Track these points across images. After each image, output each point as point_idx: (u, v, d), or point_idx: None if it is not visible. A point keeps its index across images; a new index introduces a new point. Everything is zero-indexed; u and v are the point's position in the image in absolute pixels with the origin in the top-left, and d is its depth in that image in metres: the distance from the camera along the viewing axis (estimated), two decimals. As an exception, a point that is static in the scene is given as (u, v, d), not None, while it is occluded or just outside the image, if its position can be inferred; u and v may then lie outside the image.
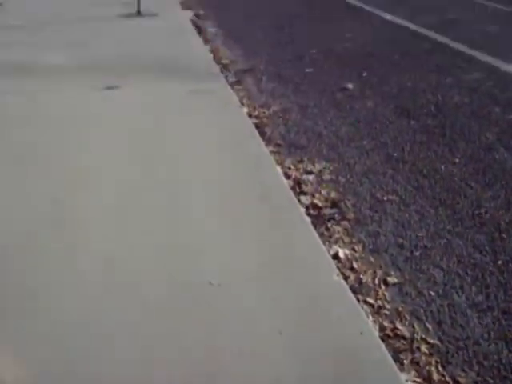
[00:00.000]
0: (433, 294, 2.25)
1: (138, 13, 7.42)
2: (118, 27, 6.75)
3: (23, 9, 7.86)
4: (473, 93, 4.78)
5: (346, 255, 2.48)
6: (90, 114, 3.90)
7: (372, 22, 7.75)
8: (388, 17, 7.97)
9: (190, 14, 8.07)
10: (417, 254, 2.53)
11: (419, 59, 5.85)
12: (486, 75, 5.19)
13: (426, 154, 3.60)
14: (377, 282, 2.31)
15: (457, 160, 3.51)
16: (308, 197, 3.03)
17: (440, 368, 1.89)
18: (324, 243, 2.48)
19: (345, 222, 2.79)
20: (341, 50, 6.20)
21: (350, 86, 4.89)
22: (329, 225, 2.75)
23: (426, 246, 2.59)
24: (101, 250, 2.31)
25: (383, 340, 1.94)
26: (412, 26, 7.36)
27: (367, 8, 8.67)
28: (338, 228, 2.73)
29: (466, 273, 2.39)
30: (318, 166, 3.42)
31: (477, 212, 2.89)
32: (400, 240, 2.64)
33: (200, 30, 6.92)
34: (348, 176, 3.31)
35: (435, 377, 1.85)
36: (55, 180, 2.92)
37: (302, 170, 3.37)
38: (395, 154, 3.60)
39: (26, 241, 2.36)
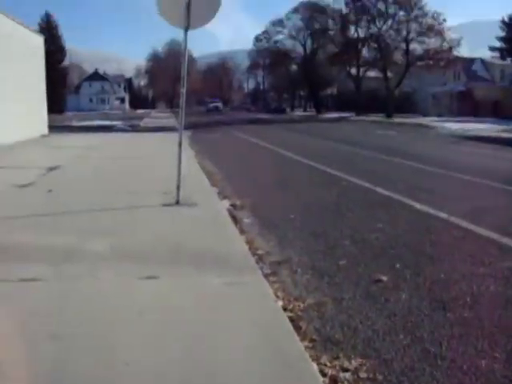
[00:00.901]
0: None
1: (177, 202, 7.78)
2: (156, 217, 7.09)
3: (70, 196, 8.37)
4: (508, 282, 4.79)
5: None
6: (128, 306, 3.99)
7: (401, 211, 8.02)
8: (417, 206, 8.27)
9: (226, 203, 8.50)
10: None
11: (450, 248, 5.95)
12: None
13: (465, 349, 3.54)
14: None
15: (497, 355, 3.44)
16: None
17: None
18: None
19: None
20: (373, 240, 6.37)
21: (384, 277, 4.96)
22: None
23: None
24: None
25: None
26: (442, 215, 7.59)
27: (396, 197, 9.03)
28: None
29: None
30: (354, 363, 3.38)
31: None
32: None
33: (236, 221, 7.22)
34: (386, 373, 3.25)
35: None
36: None
37: (338, 367, 3.32)
38: (433, 350, 3.54)
39: None
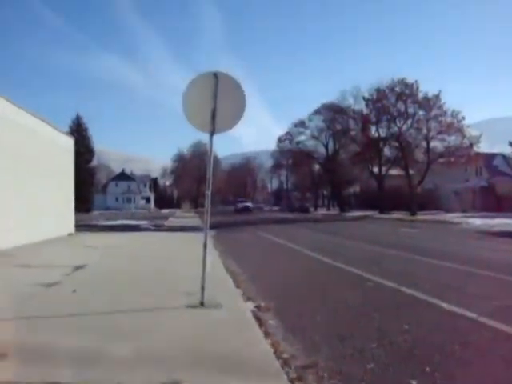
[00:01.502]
0: None
1: (202, 304, 7.74)
2: (180, 319, 7.04)
3: (94, 296, 8.37)
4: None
5: None
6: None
7: (427, 311, 7.86)
8: (444, 305, 8.11)
9: (251, 305, 8.42)
10: None
11: (481, 350, 5.78)
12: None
13: None
14: None
15: None
16: None
17: None
18: None
19: None
20: (400, 342, 6.22)
21: (414, 382, 4.82)
22: None
23: None
24: None
25: None
26: (470, 314, 7.42)
27: (422, 296, 8.89)
28: None
29: None
30: None
31: None
32: None
33: (261, 323, 7.13)
34: None
35: None
36: None
37: None
38: None
39: None
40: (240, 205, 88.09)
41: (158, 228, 33.30)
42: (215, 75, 7.82)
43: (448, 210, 59.60)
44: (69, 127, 77.30)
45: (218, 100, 7.70)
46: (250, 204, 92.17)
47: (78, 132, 76.87)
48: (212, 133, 7.79)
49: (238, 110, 7.97)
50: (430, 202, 64.91)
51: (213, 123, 7.69)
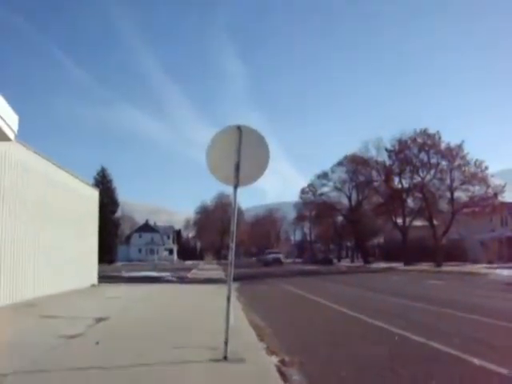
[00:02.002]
0: None
1: (225, 358, 7.64)
2: (203, 373, 6.94)
3: (116, 349, 8.30)
4: None
5: None
6: None
7: (458, 367, 7.65)
8: (475, 361, 7.89)
9: (275, 359, 8.27)
10: None
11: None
12: None
13: None
14: None
15: None
16: None
17: None
18: None
19: None
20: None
21: None
22: None
23: None
24: None
25: None
26: (503, 371, 7.20)
27: (452, 351, 8.66)
28: None
29: None
30: None
31: None
32: None
33: (285, 378, 7.00)
34: None
35: None
36: None
37: None
38: None
39: None
40: (270, 256, 79.80)
41: (182, 280, 33.21)
42: (239, 128, 7.94)
43: (474, 261, 58.62)
44: (94, 179, 78.60)
45: (242, 153, 7.80)
46: (281, 255, 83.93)
47: (103, 184, 78.08)
48: (236, 186, 7.86)
49: (261, 164, 8.05)
50: (455, 252, 63.97)
51: (237, 176, 7.76)
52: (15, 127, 6.07)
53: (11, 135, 6.07)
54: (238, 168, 7.76)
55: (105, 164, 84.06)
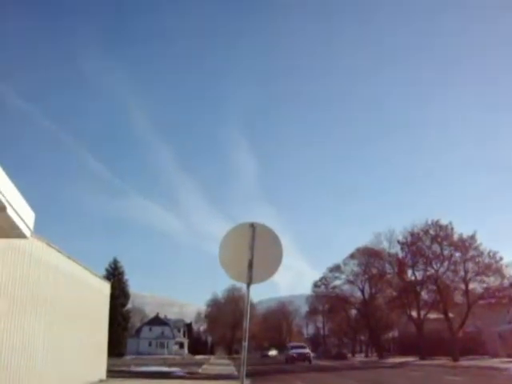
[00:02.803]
0: None
1: None
2: None
3: None
4: None
5: None
6: None
7: None
8: None
9: None
10: None
11: None
12: None
13: None
14: None
15: None
16: None
17: None
18: None
19: None
20: None
21: None
22: None
23: None
24: None
25: None
26: None
27: None
28: None
29: None
30: None
31: None
32: None
33: None
34: None
35: None
36: None
37: None
38: None
39: None
40: (295, 351, 61.76)
41: (192, 375, 32.46)
42: (252, 226, 8.14)
43: (493, 355, 56.84)
44: (105, 270, 78.50)
45: (255, 251, 7.96)
46: (307, 350, 64.62)
47: (115, 275, 77.91)
48: (249, 284, 7.96)
49: (275, 262, 8.18)
50: (473, 346, 62.13)
51: (250, 274, 7.88)
52: (31, 225, 6.31)
53: (27, 233, 6.29)
54: (251, 265, 7.89)
55: (117, 255, 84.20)
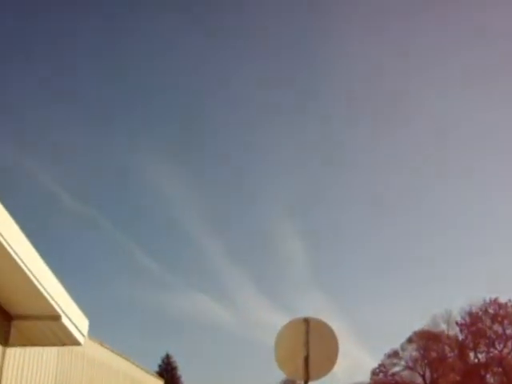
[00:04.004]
0: None
1: None
2: None
3: None
4: None
5: None
6: None
7: None
8: None
9: None
10: None
11: None
12: None
13: None
14: None
15: None
16: None
17: None
18: None
19: None
20: None
21: None
22: None
23: None
24: None
25: None
26: None
27: None
28: None
29: None
30: None
31: None
32: None
33: None
34: None
35: None
36: None
37: None
38: None
39: None
40: None
41: None
42: (306, 320, 8.00)
43: None
44: (158, 366, 77.44)
45: (310, 346, 7.78)
46: None
47: (167, 371, 76.74)
48: (306, 382, 7.74)
49: (331, 357, 7.98)
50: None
51: (306, 371, 7.67)
52: (85, 331, 6.39)
53: (81, 340, 6.36)
54: (307, 362, 7.70)
55: (169, 349, 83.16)
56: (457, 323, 62.84)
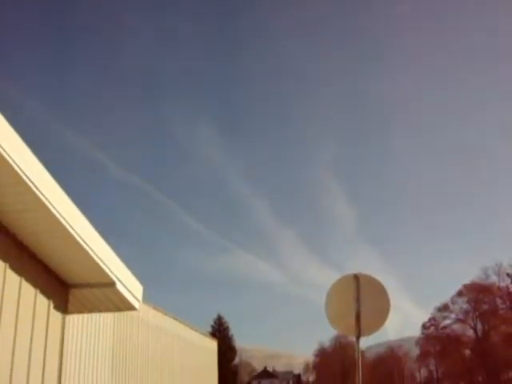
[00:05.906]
0: None
1: None
2: None
3: None
4: None
5: None
6: None
7: None
8: None
9: None
10: None
11: None
12: None
13: None
14: None
15: None
16: None
17: None
18: None
19: None
20: None
21: None
22: None
23: None
24: None
25: None
26: None
27: None
28: None
29: None
30: None
31: None
32: None
33: None
34: None
35: None
36: None
37: None
38: None
39: None
40: None
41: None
42: (356, 277, 8.00)
43: None
44: (211, 327, 79.31)
45: (362, 303, 7.79)
46: None
47: (220, 331, 78.56)
48: (358, 337, 7.78)
49: (383, 312, 7.98)
50: None
51: (358, 327, 7.71)
52: (140, 297, 6.55)
53: (136, 305, 6.53)
54: (358, 318, 7.72)
55: (221, 310, 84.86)
56: (507, 275, 61.91)
